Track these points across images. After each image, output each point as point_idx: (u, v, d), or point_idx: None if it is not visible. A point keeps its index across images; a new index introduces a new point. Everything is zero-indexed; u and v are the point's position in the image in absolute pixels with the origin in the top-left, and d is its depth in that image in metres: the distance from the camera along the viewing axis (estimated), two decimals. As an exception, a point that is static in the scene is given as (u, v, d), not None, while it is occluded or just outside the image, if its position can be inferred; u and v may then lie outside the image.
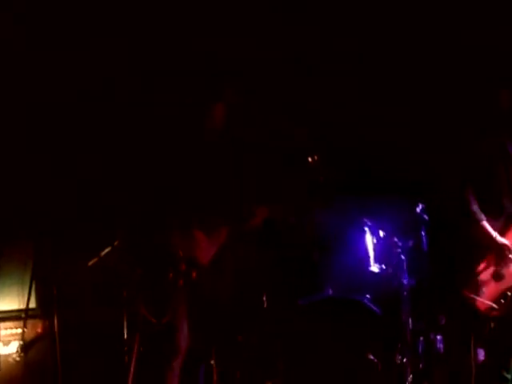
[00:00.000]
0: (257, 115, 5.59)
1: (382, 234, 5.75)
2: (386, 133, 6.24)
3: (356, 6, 6.04)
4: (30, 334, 5.71)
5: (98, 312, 5.91)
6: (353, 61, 6.14)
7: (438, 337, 5.81)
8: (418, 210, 5.66)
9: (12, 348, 5.68)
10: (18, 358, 5.64)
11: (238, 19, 5.96)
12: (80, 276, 5.78)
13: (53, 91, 5.83)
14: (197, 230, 4.90)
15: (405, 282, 5.58)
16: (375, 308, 5.49)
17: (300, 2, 6.03)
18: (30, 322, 5.71)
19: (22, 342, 5.64)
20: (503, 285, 4.92)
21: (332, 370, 5.37)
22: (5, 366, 5.64)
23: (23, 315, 5.70)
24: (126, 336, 5.38)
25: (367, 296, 5.60)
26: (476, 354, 5.17)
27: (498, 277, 4.93)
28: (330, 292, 5.57)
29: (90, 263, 5.43)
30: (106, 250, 5.38)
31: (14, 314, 5.78)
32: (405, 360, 5.44)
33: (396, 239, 5.67)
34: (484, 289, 4.89)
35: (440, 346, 5.78)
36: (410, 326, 5.55)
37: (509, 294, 4.91)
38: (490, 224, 4.94)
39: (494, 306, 4.87)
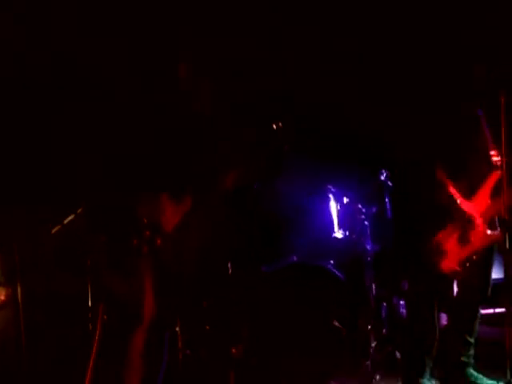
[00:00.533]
0: (221, 84, 5.55)
1: (346, 200, 5.78)
2: (351, 100, 6.25)
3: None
4: (-6, 301, 5.67)
5: (62, 280, 5.88)
6: (315, 22, 6.14)
7: (401, 302, 5.88)
8: (382, 177, 5.70)
9: (-26, 316, 5.64)
10: (-20, 327, 5.60)
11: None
12: (43, 244, 5.74)
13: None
14: (162, 197, 4.88)
15: (368, 248, 5.63)
16: (339, 274, 5.53)
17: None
18: (-8, 290, 5.67)
19: (-16, 310, 5.61)
20: (468, 249, 4.97)
21: (296, 337, 5.40)
22: (-33, 335, 5.60)
23: (-14, 283, 5.65)
24: (90, 304, 5.36)
25: (331, 262, 5.63)
26: (439, 319, 5.24)
27: (463, 241, 4.97)
28: (295, 258, 5.60)
29: (54, 231, 5.39)
30: (70, 218, 5.34)
31: (-24, 281, 5.73)
32: (368, 325, 5.50)
33: (360, 206, 5.70)
34: (449, 252, 4.93)
35: (403, 311, 5.85)
36: (374, 291, 5.61)
37: (474, 257, 4.96)
38: (454, 189, 4.97)
39: (459, 268, 4.91)
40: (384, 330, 5.72)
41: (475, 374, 5.10)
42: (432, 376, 5.06)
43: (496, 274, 5.36)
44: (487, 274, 5.10)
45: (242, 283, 5.70)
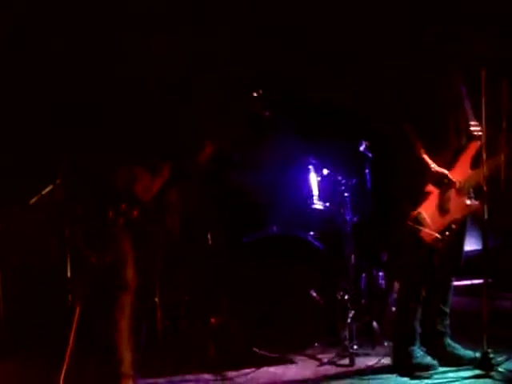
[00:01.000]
0: (203, 53, 5.52)
1: (325, 171, 5.77)
2: (331, 70, 6.24)
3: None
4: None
5: (41, 251, 5.86)
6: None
7: (380, 273, 5.90)
8: (361, 148, 5.69)
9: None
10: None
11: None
12: (22, 215, 5.72)
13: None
14: (138, 167, 4.85)
15: (348, 219, 5.63)
16: (318, 244, 5.53)
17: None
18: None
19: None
20: (448, 217, 4.97)
21: (275, 307, 5.41)
22: None
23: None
24: (69, 275, 5.35)
25: (311, 233, 5.64)
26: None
27: (442, 210, 4.98)
28: (275, 229, 5.59)
29: (32, 201, 5.36)
30: (48, 189, 5.31)
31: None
32: (347, 296, 5.51)
33: (340, 177, 5.70)
34: (429, 220, 4.93)
35: (382, 282, 5.88)
36: (353, 262, 5.62)
37: (453, 226, 4.97)
38: (435, 159, 4.96)
39: (439, 236, 4.92)
40: (362, 301, 5.74)
41: (452, 344, 5.12)
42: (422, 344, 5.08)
43: (473, 245, 5.39)
44: (461, 244, 5.12)
45: (222, 254, 5.71)
